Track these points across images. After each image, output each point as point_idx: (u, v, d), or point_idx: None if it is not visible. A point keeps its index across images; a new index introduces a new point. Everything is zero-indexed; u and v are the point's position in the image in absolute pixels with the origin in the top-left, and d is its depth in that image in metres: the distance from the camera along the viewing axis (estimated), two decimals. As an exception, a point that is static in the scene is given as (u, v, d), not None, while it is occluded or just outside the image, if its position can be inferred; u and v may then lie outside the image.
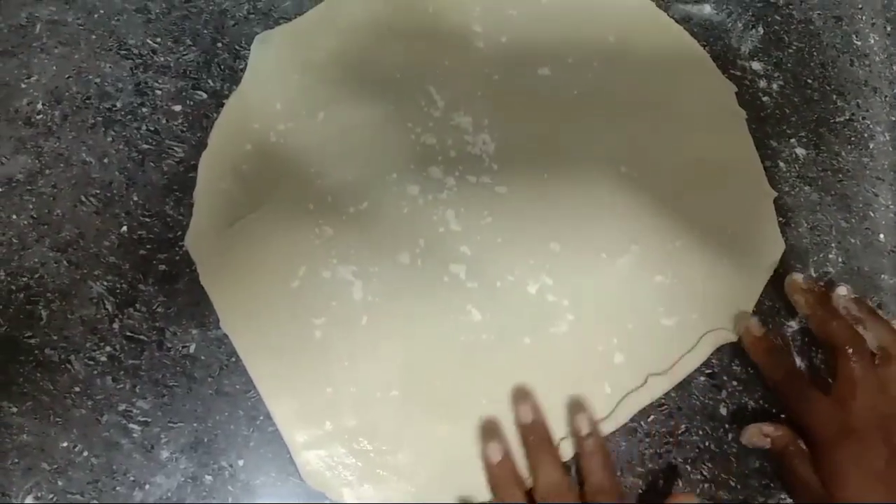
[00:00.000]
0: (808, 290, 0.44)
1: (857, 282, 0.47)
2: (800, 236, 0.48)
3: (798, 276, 0.45)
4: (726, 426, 0.43)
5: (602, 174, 0.46)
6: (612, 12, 0.51)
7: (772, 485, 0.43)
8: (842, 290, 0.44)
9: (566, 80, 0.49)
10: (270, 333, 0.42)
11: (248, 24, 0.49)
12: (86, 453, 0.41)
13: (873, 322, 0.42)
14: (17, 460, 0.40)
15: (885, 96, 0.52)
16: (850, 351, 0.41)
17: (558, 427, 0.42)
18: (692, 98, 0.49)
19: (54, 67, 0.47)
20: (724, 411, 0.44)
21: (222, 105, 0.47)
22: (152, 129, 0.46)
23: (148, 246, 0.44)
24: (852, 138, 0.50)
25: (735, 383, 0.44)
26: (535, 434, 0.40)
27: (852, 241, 0.48)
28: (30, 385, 0.41)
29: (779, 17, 0.53)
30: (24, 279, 0.43)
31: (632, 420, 0.43)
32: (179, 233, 0.44)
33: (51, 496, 0.40)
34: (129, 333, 0.43)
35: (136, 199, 0.45)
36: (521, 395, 0.42)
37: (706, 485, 0.42)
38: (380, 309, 0.43)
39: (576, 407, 0.42)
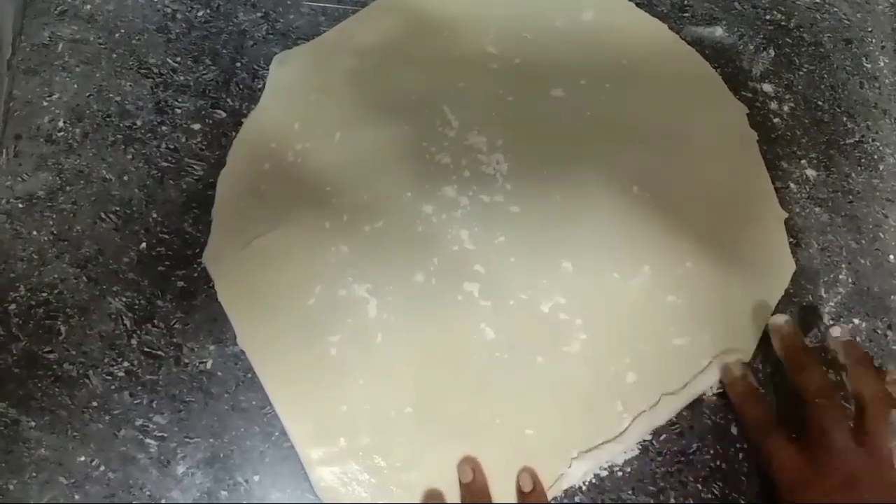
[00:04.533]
0: (787, 333, 0.43)
1: (867, 303, 0.47)
2: (810, 257, 0.48)
3: (780, 318, 0.44)
4: (737, 445, 0.44)
5: (614, 195, 0.47)
6: (624, 35, 0.51)
7: (783, 505, 0.43)
8: (835, 332, 0.43)
9: (579, 101, 0.49)
10: (286, 350, 0.43)
11: (266, 44, 0.50)
12: (103, 468, 0.41)
13: (857, 369, 0.41)
14: (34, 474, 0.41)
15: (895, 118, 0.52)
16: (820, 403, 0.40)
17: (576, 443, 0.42)
18: (704, 120, 0.50)
19: (75, 86, 0.48)
20: (735, 430, 0.44)
21: (241, 124, 0.48)
22: (172, 147, 0.47)
23: (166, 262, 0.45)
24: (862, 160, 0.51)
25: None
26: (473, 494, 0.41)
27: (862, 262, 0.48)
28: (48, 400, 0.42)
29: (790, 40, 0.53)
30: (44, 295, 0.44)
31: (643, 439, 0.43)
32: (197, 250, 0.45)
33: (68, 510, 0.40)
34: (146, 349, 0.43)
35: (155, 216, 0.46)
36: (465, 458, 0.42)
37: (718, 505, 0.43)
38: (394, 327, 0.43)
39: (521, 468, 0.42)
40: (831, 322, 0.46)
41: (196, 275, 0.45)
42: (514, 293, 0.45)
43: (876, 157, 0.51)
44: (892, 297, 0.48)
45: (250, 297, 0.44)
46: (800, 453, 0.40)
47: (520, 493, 0.41)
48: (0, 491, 0.40)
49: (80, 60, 0.49)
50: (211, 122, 0.48)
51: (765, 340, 0.45)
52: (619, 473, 0.43)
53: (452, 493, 0.41)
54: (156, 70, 0.49)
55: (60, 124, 0.47)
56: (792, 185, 0.49)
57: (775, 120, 0.51)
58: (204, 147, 0.47)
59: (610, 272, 0.45)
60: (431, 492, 0.41)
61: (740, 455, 0.44)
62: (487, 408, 0.43)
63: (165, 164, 0.47)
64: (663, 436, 0.43)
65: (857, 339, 0.46)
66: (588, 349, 0.44)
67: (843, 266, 0.48)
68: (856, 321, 0.47)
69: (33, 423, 0.42)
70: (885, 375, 0.41)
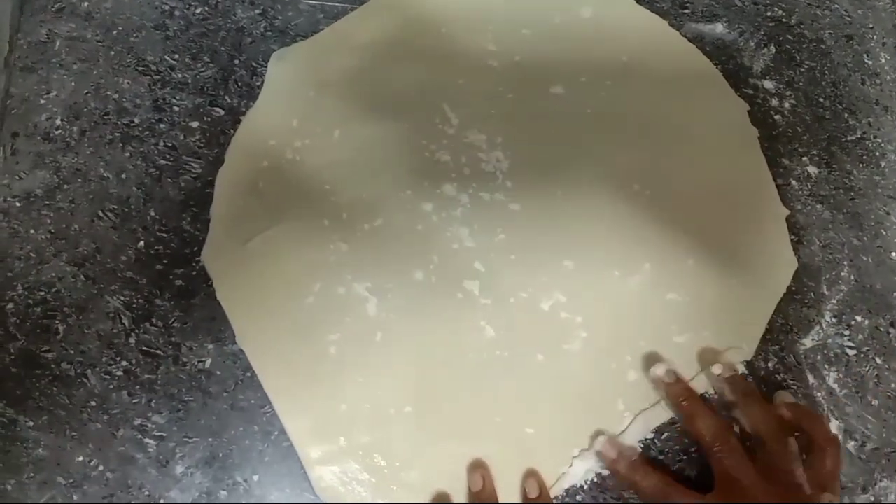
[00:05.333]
0: (670, 383, 0.42)
1: (869, 300, 0.47)
2: (812, 254, 0.48)
3: (660, 370, 0.42)
4: (739, 444, 0.43)
5: (615, 192, 0.47)
6: (624, 31, 0.51)
7: None
8: (716, 370, 0.42)
9: (579, 98, 0.49)
10: (285, 349, 0.43)
11: (264, 41, 0.50)
12: (101, 468, 0.41)
13: (748, 404, 0.41)
14: (32, 474, 0.41)
15: (896, 115, 0.52)
16: (719, 448, 0.39)
17: (577, 442, 0.42)
18: (705, 116, 0.49)
19: (73, 83, 0.48)
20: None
21: (239, 122, 0.47)
22: (170, 144, 0.47)
23: (164, 261, 0.45)
24: (864, 157, 0.50)
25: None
26: (482, 501, 0.40)
27: (864, 259, 0.48)
28: (46, 399, 0.42)
29: (791, 37, 0.53)
30: (42, 293, 0.43)
31: (645, 437, 0.43)
32: (196, 248, 0.45)
33: (66, 510, 0.40)
34: (145, 348, 0.43)
35: (153, 214, 0.45)
36: (474, 464, 0.41)
37: (720, 503, 0.42)
38: (394, 325, 0.43)
39: (527, 473, 0.41)
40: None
41: (194, 273, 0.44)
42: (515, 291, 0.44)
43: (877, 153, 0.51)
44: (895, 293, 0.47)
45: (249, 296, 0.44)
46: None
47: (525, 497, 0.41)
48: (-2, 491, 0.40)
49: (77, 58, 0.48)
50: (209, 119, 0.48)
51: (766, 338, 0.45)
52: (621, 472, 0.43)
53: (454, 492, 0.41)
54: (154, 67, 0.49)
55: (58, 122, 0.47)
56: (793, 182, 0.49)
57: (776, 117, 0.51)
58: (202, 145, 0.47)
59: (610, 270, 0.45)
60: (439, 495, 0.41)
61: (742, 453, 0.43)
62: (488, 406, 0.43)
63: (164, 161, 0.47)
64: (664, 434, 0.43)
65: (758, 367, 0.45)
66: (589, 347, 0.44)
67: (845, 263, 0.48)
68: (858, 318, 0.46)
69: (31, 423, 0.41)
70: (772, 405, 0.41)
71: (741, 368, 0.45)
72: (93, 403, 0.42)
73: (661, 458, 0.43)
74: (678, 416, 0.43)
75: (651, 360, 0.43)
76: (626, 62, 0.50)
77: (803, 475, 0.39)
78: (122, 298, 0.44)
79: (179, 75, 0.48)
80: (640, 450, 0.42)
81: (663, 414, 0.43)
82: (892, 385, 0.45)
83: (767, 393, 0.44)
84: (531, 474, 0.41)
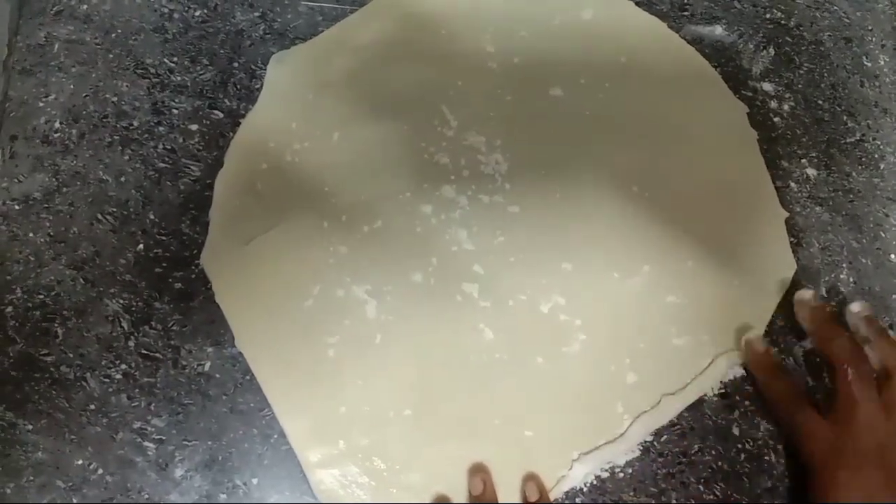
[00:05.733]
0: (815, 306, 0.44)
1: (868, 302, 0.47)
2: (811, 256, 0.48)
3: (807, 293, 0.44)
4: (739, 446, 0.43)
5: (614, 194, 0.47)
6: (623, 33, 0.51)
7: (784, 506, 0.43)
8: (855, 307, 0.43)
9: (578, 100, 0.49)
10: (285, 352, 0.43)
11: (264, 44, 0.50)
12: (100, 471, 0.41)
13: (880, 341, 0.42)
14: (32, 478, 0.40)
15: (895, 117, 0.52)
16: (851, 371, 0.40)
17: (576, 444, 0.42)
18: (704, 119, 0.49)
19: (72, 86, 0.48)
20: (736, 431, 0.44)
21: (238, 124, 0.47)
22: (169, 147, 0.47)
23: (164, 264, 0.45)
24: (863, 159, 0.51)
25: (748, 403, 0.44)
26: None
27: (864, 261, 0.48)
28: (45, 402, 0.42)
29: (790, 39, 0.53)
30: (41, 297, 0.43)
31: (644, 440, 0.43)
32: (195, 251, 0.45)
33: (66, 514, 0.40)
34: (144, 351, 0.43)
35: (152, 217, 0.45)
36: (475, 468, 0.41)
37: (719, 506, 0.42)
38: (393, 328, 0.43)
39: (526, 476, 0.42)
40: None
41: (194, 276, 0.44)
42: (514, 293, 0.44)
43: (877, 155, 0.51)
44: (894, 296, 0.48)
45: (248, 299, 0.44)
46: (829, 425, 0.40)
47: (525, 501, 0.41)
48: (-3, 495, 0.40)
49: (76, 61, 0.48)
50: (208, 122, 0.48)
51: (765, 340, 0.45)
52: (621, 475, 0.43)
53: (453, 494, 0.41)
54: (153, 70, 0.49)
55: (57, 125, 0.47)
56: (792, 185, 0.49)
57: (775, 119, 0.51)
58: (201, 148, 0.47)
59: (610, 272, 0.45)
60: (439, 497, 0.41)
61: (742, 456, 0.43)
62: (487, 409, 0.43)
63: (163, 164, 0.46)
64: (664, 436, 0.43)
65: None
66: (588, 350, 0.44)
67: (844, 265, 0.48)
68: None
69: (30, 427, 0.41)
70: None
71: (740, 371, 0.45)
72: (92, 407, 0.42)
73: (659, 460, 0.43)
74: (814, 339, 0.44)
75: (649, 362, 0.43)
76: (625, 64, 0.50)
77: None
78: (122, 301, 0.44)
79: (178, 78, 0.48)
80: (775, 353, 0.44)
81: (662, 416, 0.43)
82: (892, 387, 0.45)
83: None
84: (531, 477, 0.41)
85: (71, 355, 0.43)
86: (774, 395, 0.43)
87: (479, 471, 0.41)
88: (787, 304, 0.46)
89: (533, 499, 0.41)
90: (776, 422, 0.44)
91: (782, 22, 0.53)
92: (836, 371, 0.41)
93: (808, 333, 0.44)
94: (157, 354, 0.43)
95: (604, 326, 0.44)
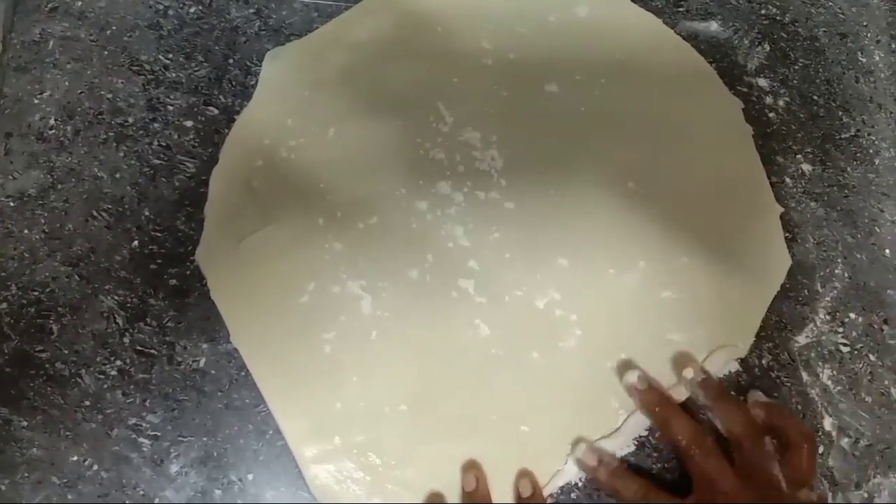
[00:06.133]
0: (644, 390, 0.42)
1: (863, 297, 0.47)
2: (806, 252, 0.48)
3: (631, 377, 0.42)
4: (734, 442, 0.44)
5: (609, 190, 0.47)
6: (619, 30, 0.51)
7: (780, 501, 0.43)
8: (688, 374, 0.42)
9: (574, 96, 0.49)
10: (280, 348, 0.43)
11: (259, 40, 0.49)
12: (96, 467, 0.41)
13: (721, 407, 0.41)
14: (27, 474, 0.41)
15: (891, 112, 0.52)
16: (696, 451, 0.40)
17: (572, 440, 0.42)
18: (699, 114, 0.49)
19: (67, 83, 0.48)
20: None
21: (233, 121, 0.47)
22: (164, 144, 0.47)
23: (159, 260, 0.45)
24: (858, 154, 0.51)
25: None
26: (475, 501, 0.40)
27: (858, 256, 0.48)
28: (40, 399, 0.42)
29: (785, 35, 0.53)
30: (36, 293, 0.43)
31: (639, 435, 0.43)
32: (190, 247, 0.45)
33: (61, 510, 0.40)
34: (139, 348, 0.43)
35: (147, 213, 0.45)
36: (468, 465, 0.41)
37: (714, 501, 0.42)
38: (389, 324, 0.43)
39: (520, 472, 0.41)
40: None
41: (189, 273, 0.44)
42: (509, 289, 0.44)
43: (871, 151, 0.51)
44: (889, 291, 0.48)
45: (243, 295, 0.44)
46: None
47: (518, 497, 0.41)
48: (-8, 491, 0.40)
49: (71, 58, 0.48)
50: (203, 118, 0.48)
51: (760, 335, 0.45)
52: (616, 470, 0.43)
53: (448, 490, 0.41)
54: (147, 67, 0.48)
55: (52, 122, 0.47)
56: (787, 180, 0.49)
57: (771, 114, 0.51)
58: (196, 144, 0.47)
59: (605, 268, 0.45)
60: (433, 495, 0.41)
61: (737, 451, 0.43)
62: (483, 405, 0.43)
63: (158, 161, 0.46)
64: (658, 431, 0.43)
65: (751, 365, 0.45)
66: (583, 345, 0.44)
67: (839, 261, 0.48)
68: (852, 315, 0.47)
69: (25, 423, 0.41)
70: (746, 406, 0.41)
71: (735, 366, 0.45)
72: (87, 403, 0.42)
73: (654, 455, 0.43)
74: (653, 423, 0.42)
75: (645, 356, 0.43)
76: (620, 60, 0.50)
77: (780, 473, 0.39)
78: (117, 298, 0.44)
79: (173, 74, 0.48)
80: (619, 457, 0.42)
81: (658, 412, 0.43)
82: (886, 382, 0.45)
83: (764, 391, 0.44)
84: (524, 474, 0.41)
85: (66, 352, 0.43)
86: (626, 499, 0.40)
87: (472, 468, 0.41)
88: (781, 299, 0.46)
89: (526, 494, 0.41)
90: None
91: (777, 18, 0.53)
92: (682, 455, 0.41)
93: (646, 417, 0.43)
94: (153, 351, 0.43)
95: (599, 322, 0.44)
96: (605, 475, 0.41)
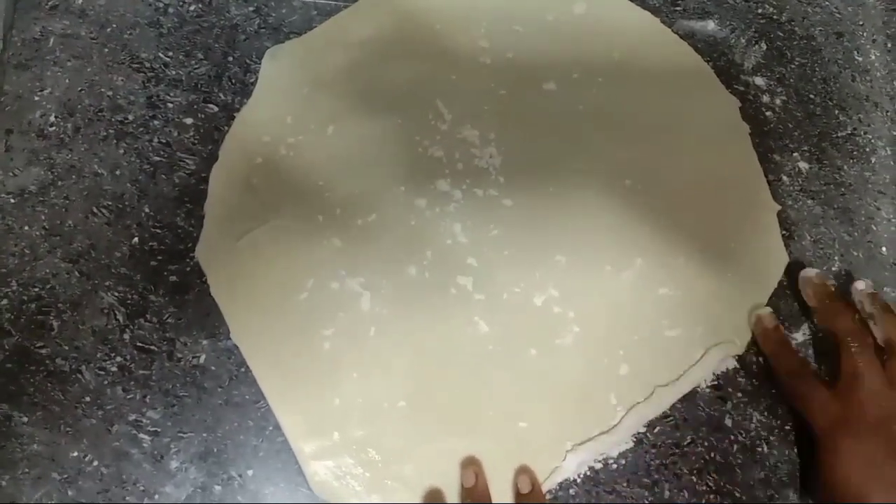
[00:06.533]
0: (819, 283, 0.45)
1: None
2: (803, 249, 0.48)
3: (811, 271, 0.45)
4: (731, 437, 0.44)
5: (607, 188, 0.47)
6: (616, 29, 0.51)
7: (776, 495, 0.43)
8: (859, 285, 0.44)
9: (572, 95, 0.49)
10: (279, 344, 0.43)
11: (258, 38, 0.50)
12: (96, 463, 0.41)
13: (885, 317, 0.42)
14: (27, 470, 0.41)
15: (887, 111, 0.52)
16: (854, 345, 0.41)
17: (570, 436, 0.42)
18: (696, 113, 0.50)
19: (67, 80, 0.48)
20: (729, 422, 0.44)
21: (233, 118, 0.47)
22: (164, 141, 0.47)
23: (159, 257, 0.45)
24: (854, 152, 0.51)
25: (740, 395, 0.44)
26: (474, 497, 0.41)
27: (855, 254, 0.48)
28: (41, 395, 0.42)
29: (781, 34, 0.53)
30: (36, 290, 0.44)
31: (637, 431, 0.43)
32: (190, 244, 0.45)
33: (61, 505, 0.40)
34: (139, 344, 0.43)
35: (147, 210, 0.45)
36: (467, 461, 0.42)
37: (712, 496, 0.43)
38: (387, 320, 0.43)
39: (519, 469, 0.42)
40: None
41: (189, 269, 0.45)
42: (508, 286, 0.45)
43: (868, 149, 0.51)
44: (885, 288, 0.48)
45: (243, 292, 0.44)
46: (835, 397, 0.41)
47: (517, 494, 0.41)
48: (-8, 487, 0.40)
49: (71, 55, 0.48)
50: (203, 116, 0.48)
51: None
52: (614, 466, 0.43)
53: (447, 487, 0.41)
54: (147, 65, 0.49)
55: (52, 119, 0.47)
56: (784, 178, 0.50)
57: (767, 113, 0.51)
58: (196, 141, 0.47)
59: (603, 265, 0.45)
60: (432, 492, 0.41)
61: (734, 447, 0.44)
62: (481, 401, 0.43)
63: (158, 158, 0.47)
64: (657, 428, 0.44)
65: None
66: (581, 342, 0.44)
67: (836, 258, 0.48)
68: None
69: (25, 419, 0.41)
70: None
71: (733, 363, 0.45)
72: (87, 399, 0.42)
73: (652, 451, 0.43)
74: (819, 313, 0.44)
75: (642, 354, 0.44)
76: (618, 59, 0.50)
77: None
78: (117, 294, 0.44)
79: (173, 72, 0.49)
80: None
81: (655, 408, 0.43)
82: (882, 378, 0.46)
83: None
84: (523, 470, 0.42)
85: (66, 348, 0.43)
86: (783, 369, 0.43)
87: (470, 463, 0.41)
88: (778, 296, 0.46)
89: (525, 491, 0.41)
90: (784, 397, 0.44)
91: (774, 17, 0.54)
92: (840, 346, 0.42)
93: (812, 310, 0.45)
94: (153, 347, 0.43)
95: (597, 319, 0.44)
96: (774, 340, 0.44)
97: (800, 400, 0.42)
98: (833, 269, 0.48)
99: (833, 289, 0.45)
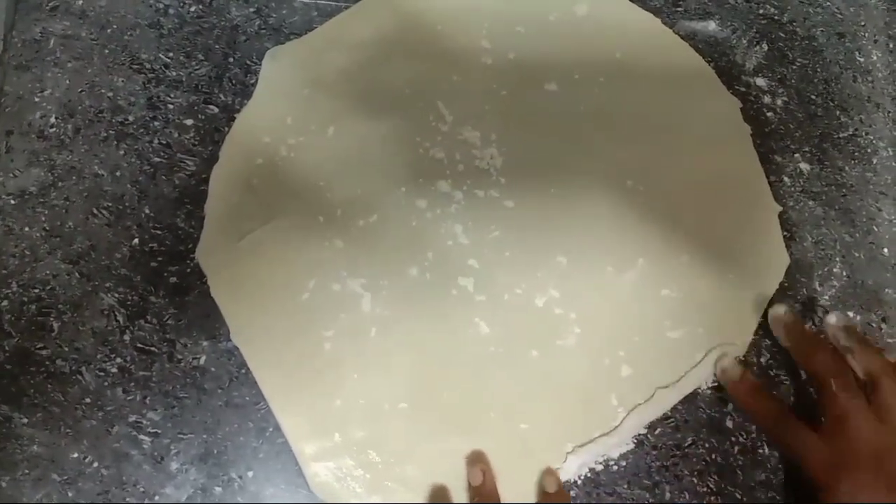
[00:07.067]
0: (790, 322, 0.43)
1: (861, 296, 0.47)
2: (804, 250, 0.48)
3: (780, 309, 0.44)
4: (732, 439, 0.44)
5: (608, 188, 0.47)
6: (618, 29, 0.51)
7: (777, 497, 0.43)
8: (831, 319, 0.42)
9: (573, 95, 0.49)
10: (280, 345, 0.43)
11: (259, 39, 0.50)
12: (96, 464, 0.41)
13: (861, 350, 0.41)
14: (27, 471, 0.41)
15: (888, 112, 0.52)
16: (835, 383, 0.40)
17: (571, 437, 0.42)
18: (697, 113, 0.50)
19: (67, 81, 0.48)
20: (730, 424, 0.44)
21: (233, 119, 0.47)
22: (164, 142, 0.47)
23: (159, 258, 0.45)
24: (855, 153, 0.51)
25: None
26: (482, 496, 0.40)
27: (856, 255, 0.48)
28: (41, 396, 0.42)
29: (783, 34, 0.53)
30: (36, 291, 0.44)
31: (638, 433, 0.43)
32: (190, 245, 0.45)
33: (61, 507, 0.40)
34: (139, 345, 0.43)
35: (147, 211, 0.45)
36: (474, 458, 0.42)
37: (713, 497, 0.43)
38: (389, 321, 0.43)
39: (546, 470, 0.42)
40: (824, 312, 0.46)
41: (189, 270, 0.44)
42: (509, 287, 0.45)
43: (869, 150, 0.51)
44: (887, 290, 0.48)
45: (244, 293, 0.44)
46: (823, 440, 0.39)
47: (543, 493, 0.41)
48: (-8, 488, 0.40)
49: (71, 56, 0.48)
50: (203, 117, 0.48)
51: (759, 333, 0.45)
52: (615, 467, 0.43)
53: (449, 487, 0.41)
54: (148, 66, 0.49)
55: (52, 120, 0.47)
56: (786, 179, 0.49)
57: (769, 114, 0.51)
58: (196, 142, 0.47)
59: (604, 266, 0.45)
60: (437, 490, 0.41)
61: (735, 448, 0.44)
62: (482, 402, 0.43)
63: (158, 159, 0.47)
64: (658, 429, 0.43)
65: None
66: (583, 343, 0.44)
67: (838, 259, 0.48)
68: (850, 314, 0.47)
69: (26, 420, 0.41)
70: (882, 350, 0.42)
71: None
72: (87, 400, 0.42)
73: (654, 452, 0.43)
74: (795, 353, 0.43)
75: (644, 355, 0.44)
76: (619, 59, 0.50)
77: None
78: (117, 296, 0.44)
79: (174, 73, 0.48)
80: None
81: (656, 409, 0.43)
82: (884, 380, 0.46)
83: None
84: (550, 472, 0.41)
85: (66, 349, 0.43)
86: (761, 418, 0.42)
87: (478, 461, 0.41)
88: (780, 297, 0.46)
89: (552, 490, 0.41)
90: (769, 442, 0.43)
91: (775, 17, 0.54)
92: (821, 386, 0.41)
93: (787, 350, 0.44)
94: (153, 348, 0.43)
95: (599, 320, 0.44)
96: (745, 391, 0.42)
97: (787, 448, 0.41)
98: (834, 270, 0.48)
99: (804, 326, 0.43)
